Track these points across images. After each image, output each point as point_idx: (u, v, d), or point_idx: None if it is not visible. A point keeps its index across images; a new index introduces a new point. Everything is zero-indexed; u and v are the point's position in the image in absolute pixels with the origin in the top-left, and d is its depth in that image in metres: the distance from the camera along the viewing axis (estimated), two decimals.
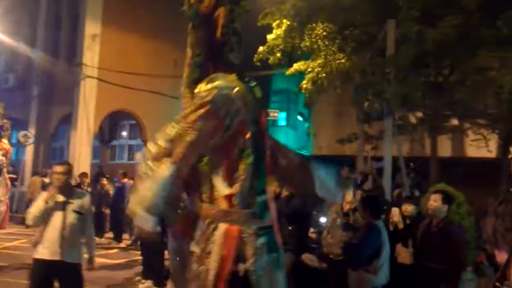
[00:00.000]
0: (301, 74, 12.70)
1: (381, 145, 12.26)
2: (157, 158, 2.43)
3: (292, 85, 18.75)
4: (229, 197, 2.54)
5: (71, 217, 4.50)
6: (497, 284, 1.11)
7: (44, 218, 4.45)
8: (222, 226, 2.53)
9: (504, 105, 9.85)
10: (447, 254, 4.74)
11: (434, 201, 5.00)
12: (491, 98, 10.32)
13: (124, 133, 23.81)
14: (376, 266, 4.65)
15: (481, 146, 11.52)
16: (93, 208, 5.31)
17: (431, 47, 9.33)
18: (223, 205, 2.55)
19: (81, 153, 18.04)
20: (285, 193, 6.71)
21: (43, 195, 4.60)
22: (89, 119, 18.49)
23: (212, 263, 2.50)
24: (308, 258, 5.99)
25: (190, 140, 2.44)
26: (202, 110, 2.48)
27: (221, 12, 2.70)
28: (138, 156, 22.20)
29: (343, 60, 11.45)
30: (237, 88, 2.54)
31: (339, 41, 11.37)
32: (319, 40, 11.53)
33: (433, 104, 10.92)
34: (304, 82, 11.98)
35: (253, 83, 2.74)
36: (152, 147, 2.50)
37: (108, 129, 22.75)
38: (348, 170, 10.42)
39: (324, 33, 11.42)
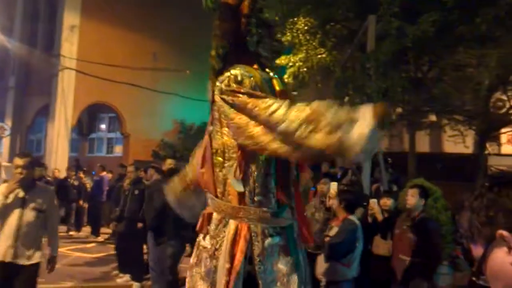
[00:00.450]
0: (282, 68, 12.70)
1: None
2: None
3: None
4: (240, 194, 2.46)
5: (30, 215, 4.21)
6: (473, 278, 1.12)
7: (2, 214, 4.14)
8: (232, 223, 2.47)
9: (481, 101, 10.01)
10: (423, 248, 4.82)
11: (412, 196, 5.08)
12: (468, 94, 10.47)
13: (103, 126, 23.53)
14: (350, 259, 4.70)
15: (458, 142, 11.70)
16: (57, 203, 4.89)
17: (411, 43, 9.42)
18: (234, 201, 2.47)
19: (59, 146, 17.78)
20: None
21: (2, 188, 4.25)
22: (67, 111, 18.21)
23: (222, 260, 2.45)
24: None
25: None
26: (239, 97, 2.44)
27: (245, 3, 2.66)
28: (117, 149, 21.99)
29: (324, 55, 11.49)
30: (254, 78, 2.47)
31: (320, 36, 11.40)
32: (301, 35, 11.54)
33: (412, 99, 11.03)
34: (285, 76, 11.98)
35: (275, 74, 2.66)
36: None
37: (87, 122, 22.47)
38: (327, 165, 10.47)
39: (306, 28, 11.44)
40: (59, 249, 4.78)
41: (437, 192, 6.02)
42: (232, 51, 2.62)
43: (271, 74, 2.64)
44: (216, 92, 2.52)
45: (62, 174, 13.84)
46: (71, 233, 12.61)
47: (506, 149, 15.42)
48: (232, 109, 2.41)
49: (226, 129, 2.49)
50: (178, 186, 3.16)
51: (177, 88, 19.68)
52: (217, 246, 2.49)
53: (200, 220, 2.65)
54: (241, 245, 2.43)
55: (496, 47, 8.54)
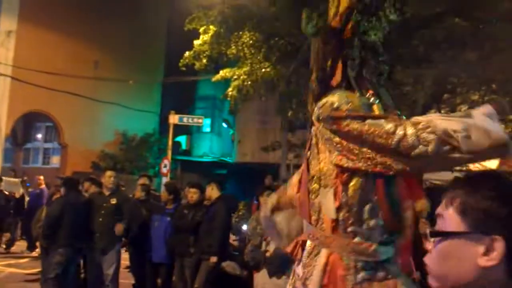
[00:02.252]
0: (226, 81, 12.72)
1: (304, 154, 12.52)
2: None
3: (217, 91, 18.75)
4: (334, 222, 2.36)
5: None
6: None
7: None
8: (324, 253, 2.38)
9: None
10: None
11: None
12: (405, 111, 10.91)
13: (40, 136, 22.57)
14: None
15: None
16: None
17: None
18: (328, 230, 2.38)
19: None
20: (206, 202, 6.64)
21: None
22: (0, 119, 17.34)
23: None
24: (230, 265, 5.96)
25: None
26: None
27: (349, 26, 2.57)
28: (55, 160, 21.11)
29: (268, 69, 11.61)
30: (348, 105, 2.37)
31: (265, 50, 11.52)
32: (246, 48, 11.62)
33: None
34: (230, 89, 12.01)
35: (376, 100, 2.54)
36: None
37: (22, 131, 21.46)
38: (271, 178, 10.54)
39: (251, 42, 11.53)
40: None
41: None
42: (333, 75, 2.56)
43: (372, 99, 2.53)
44: (314, 118, 2.44)
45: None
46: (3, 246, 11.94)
47: None
48: (337, 136, 2.34)
49: (324, 155, 2.42)
50: (272, 202, 3.00)
51: (119, 98, 19.25)
52: (308, 275, 2.40)
53: (293, 245, 2.57)
54: (333, 277, 2.34)
55: (431, 68, 8.97)
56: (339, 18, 2.59)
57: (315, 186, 2.46)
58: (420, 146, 2.12)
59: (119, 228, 6.54)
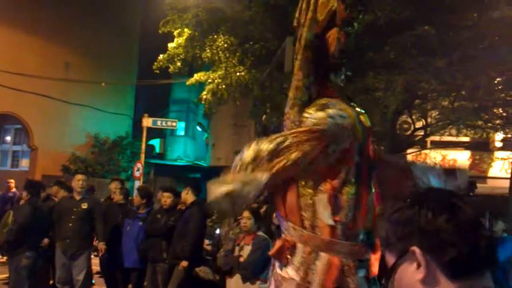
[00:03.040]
0: (201, 85, 12.68)
1: None
2: (256, 161, 2.40)
3: (192, 95, 18.69)
4: (332, 227, 2.46)
5: None
6: (383, 282, 1.15)
7: None
8: (324, 256, 2.46)
9: (388, 123, 10.59)
10: None
11: None
12: (377, 116, 11.06)
13: (8, 138, 21.99)
14: (268, 275, 4.74)
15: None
16: None
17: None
18: (326, 234, 2.47)
19: None
20: (180, 206, 6.59)
21: None
22: None
23: None
24: (202, 270, 5.93)
25: (293, 158, 2.43)
26: (311, 135, 2.46)
27: (333, 33, 2.65)
28: (24, 163, 20.63)
29: (243, 73, 11.63)
30: (349, 119, 2.51)
31: (240, 54, 11.54)
32: (220, 52, 11.61)
33: None
34: (204, 93, 11.98)
35: (362, 110, 2.66)
36: (253, 149, 2.44)
37: None
38: None
39: (225, 45, 11.53)
40: None
41: None
42: (315, 82, 2.63)
43: (357, 109, 2.66)
44: (309, 123, 2.52)
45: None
46: None
47: None
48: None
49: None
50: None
51: (91, 101, 18.96)
52: (310, 280, 2.46)
53: (279, 247, 2.58)
54: (335, 279, 2.43)
55: (402, 73, 9.12)
56: (321, 24, 2.65)
57: (309, 191, 2.53)
58: (295, 152, 2.44)
59: (101, 247, 6.52)
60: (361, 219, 2.52)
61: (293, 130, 2.53)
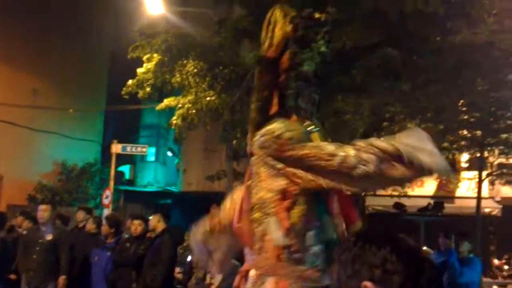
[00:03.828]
0: (171, 110, 12.62)
1: None
2: None
3: (162, 120, 18.57)
4: (279, 250, 2.38)
5: None
6: None
7: None
8: (271, 281, 2.37)
9: None
10: None
11: None
12: (346, 139, 11.22)
13: None
14: None
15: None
16: None
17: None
18: (272, 257, 2.39)
19: None
20: (150, 234, 6.46)
21: None
22: None
23: None
24: None
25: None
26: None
27: (285, 57, 2.65)
28: None
29: (213, 98, 11.64)
30: (290, 133, 2.43)
31: (210, 79, 11.57)
32: (190, 77, 11.62)
33: None
34: (174, 118, 11.92)
35: (316, 128, 2.62)
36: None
37: None
38: (216, 207, 10.44)
39: (195, 70, 11.55)
40: None
41: None
42: (271, 103, 2.62)
43: (311, 127, 2.62)
44: (256, 146, 2.48)
45: None
46: None
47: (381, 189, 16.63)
48: (280, 162, 2.41)
49: (265, 183, 2.44)
50: (205, 227, 2.99)
51: (59, 127, 18.61)
52: None
53: (238, 277, 2.57)
54: None
55: (369, 97, 9.31)
56: (275, 48, 2.69)
57: (258, 215, 2.47)
58: (361, 166, 2.22)
59: (60, 281, 6.30)
60: (314, 242, 2.46)
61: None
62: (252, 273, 2.49)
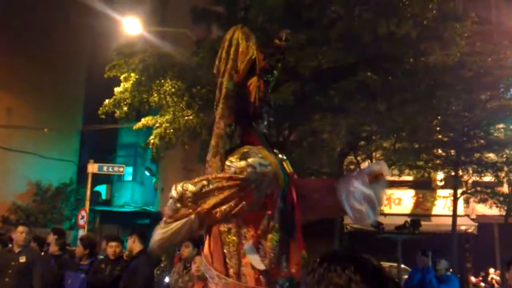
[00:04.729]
0: (148, 129, 12.55)
1: None
2: (182, 200, 2.49)
3: (140, 139, 18.40)
4: (257, 274, 2.42)
5: None
6: None
7: None
8: None
9: (335, 164, 10.82)
10: None
11: None
12: (324, 158, 11.30)
13: None
14: None
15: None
16: None
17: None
18: (251, 282, 2.42)
19: None
20: (126, 255, 6.35)
21: None
22: None
23: None
24: None
25: (213, 203, 2.46)
26: (232, 183, 2.47)
27: (253, 82, 2.66)
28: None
29: (191, 117, 11.63)
30: (270, 167, 2.50)
31: (187, 98, 11.57)
32: (168, 96, 11.60)
33: None
34: (152, 137, 11.85)
35: (284, 157, 2.66)
36: (178, 189, 2.53)
37: None
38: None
39: (173, 90, 11.54)
40: None
41: None
42: (237, 130, 2.66)
43: (280, 156, 2.67)
44: (231, 172, 2.54)
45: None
46: None
47: None
48: None
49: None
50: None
51: (33, 147, 18.30)
52: None
53: None
54: None
55: (346, 117, 9.44)
56: (241, 73, 2.73)
57: (233, 238, 2.50)
58: (215, 198, 2.47)
59: None
60: (285, 267, 2.52)
61: (216, 175, 2.56)
62: None
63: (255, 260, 2.44)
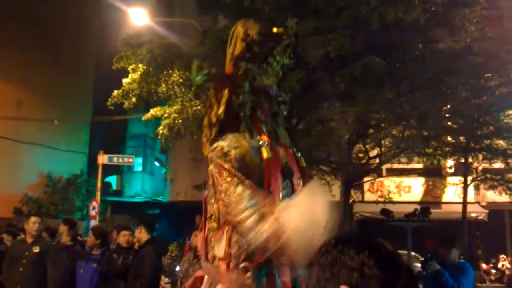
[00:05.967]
0: (157, 120, 12.61)
1: None
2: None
3: (149, 130, 18.51)
4: (227, 259, 2.43)
5: None
6: None
7: None
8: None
9: (343, 153, 10.82)
10: None
11: None
12: (332, 147, 11.29)
13: None
14: None
15: (326, 191, 12.42)
16: None
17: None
18: (222, 266, 2.45)
19: None
20: (136, 244, 6.42)
21: None
22: None
23: None
24: None
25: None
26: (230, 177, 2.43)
27: (239, 73, 2.71)
28: None
29: (199, 107, 11.66)
30: (236, 150, 2.49)
31: (195, 89, 11.60)
32: (176, 87, 11.64)
33: None
34: (161, 128, 11.91)
35: (265, 143, 2.63)
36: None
37: None
38: (200, 217, 10.44)
39: (181, 80, 11.58)
40: None
41: None
42: (224, 118, 2.65)
43: (262, 142, 2.62)
44: (209, 160, 2.55)
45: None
46: None
47: (368, 196, 16.74)
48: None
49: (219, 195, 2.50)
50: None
51: (44, 139, 18.46)
52: None
53: (192, 281, 2.65)
54: None
55: (353, 105, 9.40)
56: (231, 64, 2.78)
57: (213, 224, 2.56)
58: (251, 236, 2.28)
59: None
60: (259, 254, 2.47)
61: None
62: (205, 279, 2.58)
63: (220, 247, 2.48)
